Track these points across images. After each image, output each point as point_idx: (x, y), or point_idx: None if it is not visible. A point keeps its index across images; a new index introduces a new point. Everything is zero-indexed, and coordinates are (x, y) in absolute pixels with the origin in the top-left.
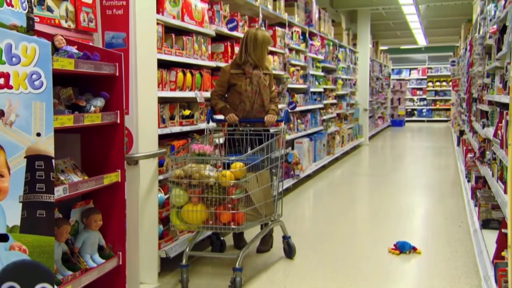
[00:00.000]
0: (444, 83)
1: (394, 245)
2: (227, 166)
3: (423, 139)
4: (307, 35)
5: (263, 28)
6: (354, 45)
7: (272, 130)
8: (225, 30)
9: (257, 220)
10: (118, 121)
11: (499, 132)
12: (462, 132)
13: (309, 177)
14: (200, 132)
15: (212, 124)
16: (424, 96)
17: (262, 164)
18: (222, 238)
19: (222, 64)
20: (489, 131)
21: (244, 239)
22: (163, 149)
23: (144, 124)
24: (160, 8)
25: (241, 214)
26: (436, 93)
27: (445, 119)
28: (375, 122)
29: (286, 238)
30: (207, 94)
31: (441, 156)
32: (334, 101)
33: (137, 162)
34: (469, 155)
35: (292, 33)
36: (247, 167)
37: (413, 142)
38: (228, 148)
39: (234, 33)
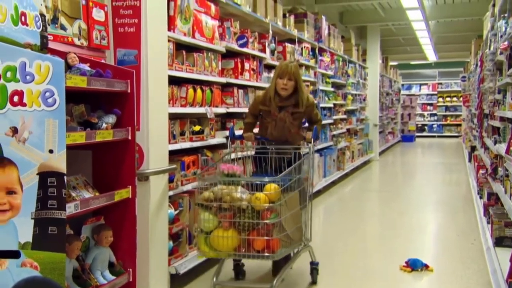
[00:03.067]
0: (454, 99)
1: (406, 262)
2: (255, 187)
3: (433, 154)
4: (316, 51)
5: (294, 59)
6: (364, 60)
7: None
8: (235, 46)
9: (291, 246)
10: (130, 138)
11: (511, 148)
12: (473, 148)
13: (319, 192)
14: (210, 148)
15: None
16: (434, 112)
17: (292, 185)
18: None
19: (232, 80)
20: (501, 148)
21: (280, 265)
22: (173, 165)
23: (155, 140)
24: (171, 25)
25: (276, 240)
26: (447, 108)
27: (456, 134)
28: (385, 138)
29: (314, 265)
30: (217, 110)
31: (452, 172)
32: (344, 116)
33: (148, 178)
34: (481, 171)
35: (301, 49)
36: (282, 188)
37: (424, 157)
38: (254, 167)
39: (244, 49)
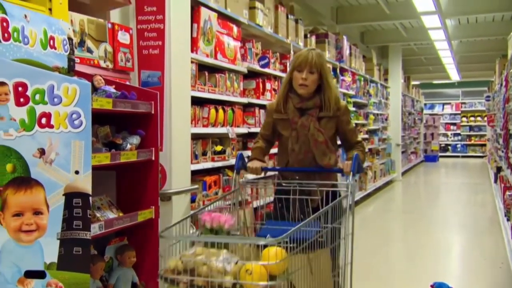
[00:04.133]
0: (478, 118)
1: (431, 285)
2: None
3: (458, 175)
4: (338, 71)
5: (317, 49)
6: (386, 80)
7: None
8: (257, 67)
9: None
10: (153, 158)
11: None
12: (499, 169)
13: None
14: (232, 168)
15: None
16: (458, 131)
17: (320, 240)
18: None
19: (254, 101)
20: None
21: None
22: (195, 185)
23: (178, 160)
24: (194, 47)
25: None
26: (471, 128)
27: (481, 154)
28: (408, 158)
29: None
30: (239, 130)
31: (478, 193)
32: (366, 136)
33: (170, 198)
34: (508, 192)
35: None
36: (296, 251)
37: (448, 178)
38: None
39: (266, 70)
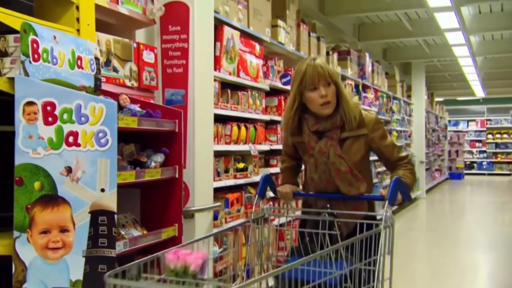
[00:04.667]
0: (505, 135)
1: None
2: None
3: (484, 193)
4: (360, 88)
5: (317, 57)
6: (409, 96)
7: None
8: (279, 84)
9: None
10: (177, 176)
11: None
12: None
13: None
14: (254, 185)
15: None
16: (483, 149)
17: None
18: None
19: (276, 118)
20: None
21: None
22: (218, 203)
23: (201, 177)
24: (217, 65)
25: None
26: (497, 145)
27: (508, 172)
28: (432, 175)
29: None
30: (261, 147)
31: (505, 211)
32: None
33: (193, 215)
34: None
35: (345, 86)
36: None
37: (474, 196)
38: (297, 244)
39: (288, 87)
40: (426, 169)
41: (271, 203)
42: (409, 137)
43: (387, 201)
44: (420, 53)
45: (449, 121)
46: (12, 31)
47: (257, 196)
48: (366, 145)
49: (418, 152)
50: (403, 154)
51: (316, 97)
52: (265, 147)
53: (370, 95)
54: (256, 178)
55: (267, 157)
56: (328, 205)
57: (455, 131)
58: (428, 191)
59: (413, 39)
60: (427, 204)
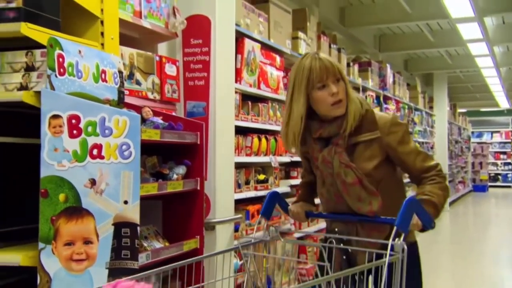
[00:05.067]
0: None
1: None
2: None
3: (509, 205)
4: (381, 99)
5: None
6: (431, 108)
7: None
8: None
9: None
10: (198, 188)
11: None
12: None
13: None
14: None
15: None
16: (508, 160)
17: None
18: None
19: None
20: None
21: None
22: (239, 215)
23: (222, 189)
24: (238, 77)
25: None
26: None
27: None
28: (456, 187)
29: None
30: (282, 159)
31: None
32: None
33: (214, 227)
34: None
35: (366, 97)
36: None
37: (498, 209)
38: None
39: None
40: (449, 181)
41: (277, 224)
42: (431, 148)
43: (395, 227)
44: (442, 64)
45: (473, 132)
46: (40, 46)
47: (260, 215)
48: (382, 151)
49: (441, 164)
50: (431, 163)
51: (326, 96)
52: (286, 158)
53: (392, 106)
54: (277, 190)
55: (287, 168)
56: (336, 229)
57: (478, 143)
58: (451, 203)
59: (435, 50)
60: (451, 217)
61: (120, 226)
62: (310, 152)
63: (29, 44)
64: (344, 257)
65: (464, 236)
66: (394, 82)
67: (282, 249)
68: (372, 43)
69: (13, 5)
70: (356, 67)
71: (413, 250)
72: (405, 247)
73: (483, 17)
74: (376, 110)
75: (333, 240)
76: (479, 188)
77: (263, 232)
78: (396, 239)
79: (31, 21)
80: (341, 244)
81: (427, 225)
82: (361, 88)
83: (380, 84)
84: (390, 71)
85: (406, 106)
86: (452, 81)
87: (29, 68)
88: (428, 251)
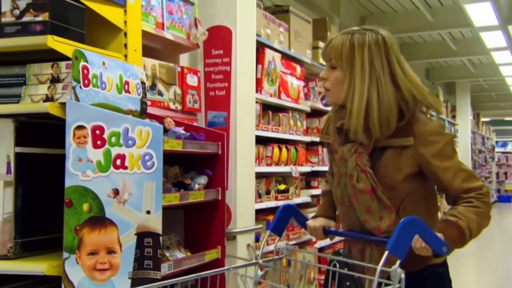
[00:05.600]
0: None
1: None
2: None
3: None
4: None
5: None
6: (453, 117)
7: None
8: (320, 105)
9: None
10: (220, 198)
11: None
12: None
13: None
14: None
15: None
16: None
17: None
18: None
19: (317, 139)
20: None
21: None
22: (260, 225)
23: (242, 199)
24: (258, 87)
25: None
26: None
27: None
28: None
29: None
30: (302, 169)
31: None
32: None
33: (235, 237)
34: None
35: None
36: None
37: None
38: None
39: (329, 108)
40: None
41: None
42: None
43: (386, 251)
44: (465, 73)
45: (497, 142)
46: (65, 58)
47: (270, 231)
48: (415, 162)
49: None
50: (474, 184)
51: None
52: (306, 168)
53: None
54: (298, 200)
55: (308, 178)
56: (341, 249)
57: (503, 152)
58: None
59: (457, 58)
60: None
61: (142, 236)
62: (331, 144)
63: (54, 56)
64: (348, 283)
65: (489, 249)
66: None
67: (302, 259)
68: None
69: (40, 18)
70: None
71: (438, 274)
72: (403, 275)
73: (507, 26)
74: (423, 115)
75: (337, 263)
76: (504, 198)
77: (274, 247)
78: (394, 266)
79: (57, 34)
80: (346, 268)
81: (437, 250)
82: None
83: None
84: None
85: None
86: (475, 90)
87: (55, 80)
88: (451, 263)
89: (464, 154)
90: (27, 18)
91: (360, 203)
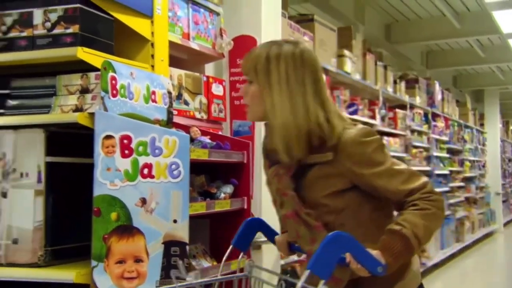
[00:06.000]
0: None
1: None
2: None
3: None
4: (429, 116)
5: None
6: (482, 125)
7: None
8: (345, 114)
9: None
10: (245, 207)
11: None
12: None
13: (436, 266)
14: None
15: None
16: None
17: None
18: None
19: None
20: None
21: None
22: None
23: (267, 209)
24: None
25: None
26: None
27: None
28: (510, 207)
29: None
30: None
31: None
32: (462, 184)
33: (260, 246)
34: None
35: (413, 114)
36: None
37: None
38: None
39: (354, 116)
40: (503, 201)
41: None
42: (483, 167)
43: (306, 270)
44: (493, 80)
45: None
46: (93, 68)
47: (231, 245)
48: (343, 177)
49: (493, 183)
50: (415, 184)
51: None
52: None
53: (440, 123)
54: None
55: None
56: (288, 268)
57: None
58: (506, 224)
59: (485, 65)
60: (505, 238)
61: (169, 245)
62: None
63: (83, 67)
64: None
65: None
66: (442, 99)
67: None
68: (419, 60)
69: (70, 30)
70: (403, 84)
71: None
72: None
73: None
74: (345, 126)
75: (283, 283)
76: None
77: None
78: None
79: (87, 45)
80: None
81: (371, 269)
82: (408, 105)
83: (428, 101)
84: (438, 87)
85: (456, 124)
86: (505, 98)
87: (84, 90)
88: (482, 274)
89: (493, 163)
90: (58, 30)
91: (289, 228)
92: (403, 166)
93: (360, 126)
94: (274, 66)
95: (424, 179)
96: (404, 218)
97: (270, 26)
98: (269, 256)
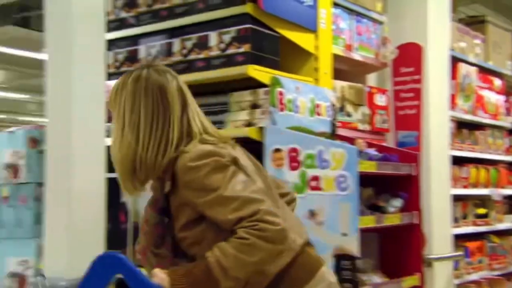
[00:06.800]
0: None
1: None
2: None
3: None
4: None
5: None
6: None
7: None
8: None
9: None
10: (416, 222)
11: None
12: None
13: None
14: (497, 233)
15: None
16: None
17: None
18: None
19: None
20: None
21: None
22: (459, 252)
23: (438, 223)
24: (451, 104)
25: None
26: None
27: None
28: None
29: None
30: (505, 191)
31: None
32: None
33: (431, 264)
34: None
35: None
36: None
37: None
38: None
39: None
40: None
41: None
42: None
43: None
44: None
45: None
46: (261, 85)
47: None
48: (186, 205)
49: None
50: (246, 211)
51: None
52: (510, 191)
53: None
54: (500, 226)
55: (511, 202)
56: None
57: None
58: None
59: None
60: None
61: (340, 258)
62: None
63: (251, 84)
64: None
65: None
66: None
67: None
68: None
69: (242, 50)
70: None
71: None
72: None
73: None
74: (184, 149)
75: None
76: None
77: None
78: None
79: (256, 63)
80: None
81: None
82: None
83: None
84: None
85: None
86: None
87: (254, 106)
88: None
89: None
90: (231, 50)
91: (148, 258)
92: (253, 187)
93: (198, 147)
94: (118, 97)
95: (261, 206)
96: (218, 246)
97: (436, 31)
98: (441, 274)
